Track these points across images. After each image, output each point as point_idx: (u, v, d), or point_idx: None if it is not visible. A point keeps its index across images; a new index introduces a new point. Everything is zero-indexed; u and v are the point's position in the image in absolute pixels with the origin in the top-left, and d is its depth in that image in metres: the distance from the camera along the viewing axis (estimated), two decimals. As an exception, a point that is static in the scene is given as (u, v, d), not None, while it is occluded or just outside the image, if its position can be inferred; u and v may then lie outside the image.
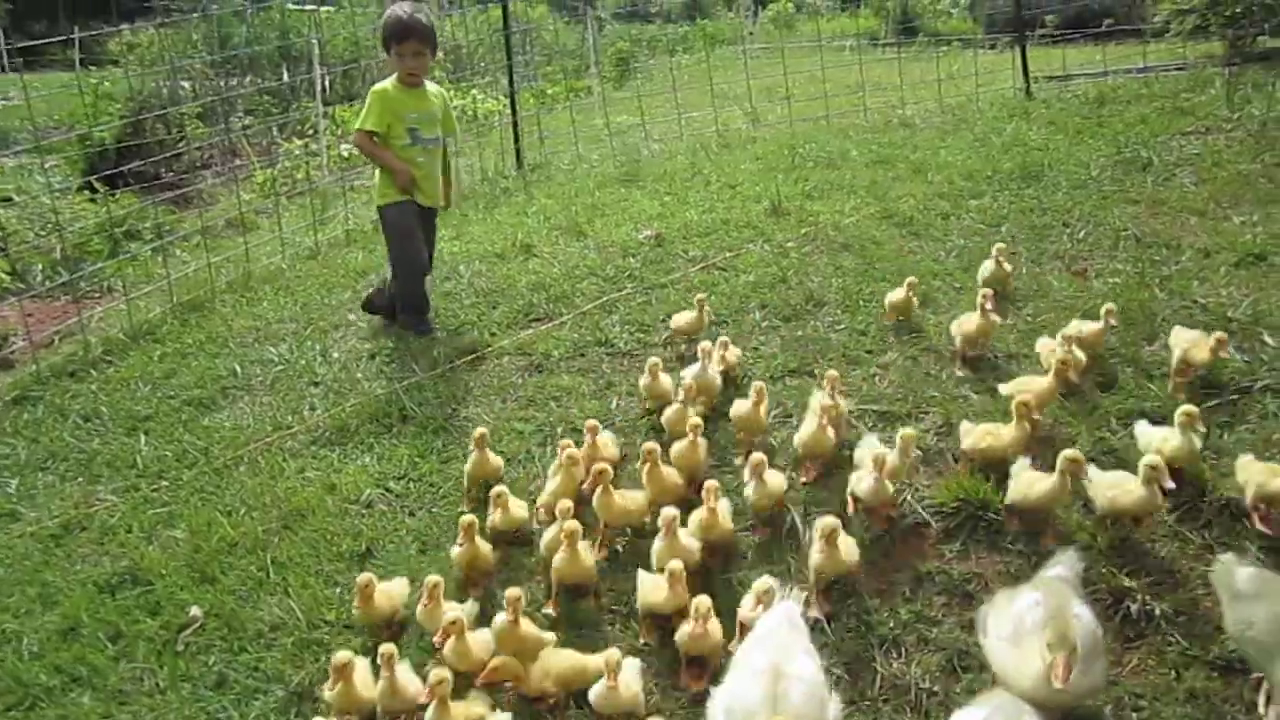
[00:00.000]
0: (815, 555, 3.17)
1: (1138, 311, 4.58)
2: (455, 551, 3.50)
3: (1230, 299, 4.63)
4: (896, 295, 4.77)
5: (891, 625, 3.16)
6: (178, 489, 4.45)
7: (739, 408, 3.96)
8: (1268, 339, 4.26)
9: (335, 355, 5.47)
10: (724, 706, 2.58)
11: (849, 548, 3.21)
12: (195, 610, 3.66)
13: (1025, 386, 3.83)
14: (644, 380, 4.36)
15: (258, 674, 3.34)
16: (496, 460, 4.04)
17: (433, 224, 5.79)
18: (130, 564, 3.97)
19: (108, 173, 9.05)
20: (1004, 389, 3.96)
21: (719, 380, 4.28)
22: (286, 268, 7.22)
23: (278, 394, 5.16)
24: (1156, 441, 3.45)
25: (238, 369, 5.49)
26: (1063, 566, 2.92)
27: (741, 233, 6.36)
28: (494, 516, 3.68)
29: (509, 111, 9.68)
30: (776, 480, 3.58)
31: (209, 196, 10.17)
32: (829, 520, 3.16)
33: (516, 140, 9.51)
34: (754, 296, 5.33)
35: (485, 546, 3.54)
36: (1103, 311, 4.22)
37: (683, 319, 4.84)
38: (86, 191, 9.24)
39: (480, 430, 4.02)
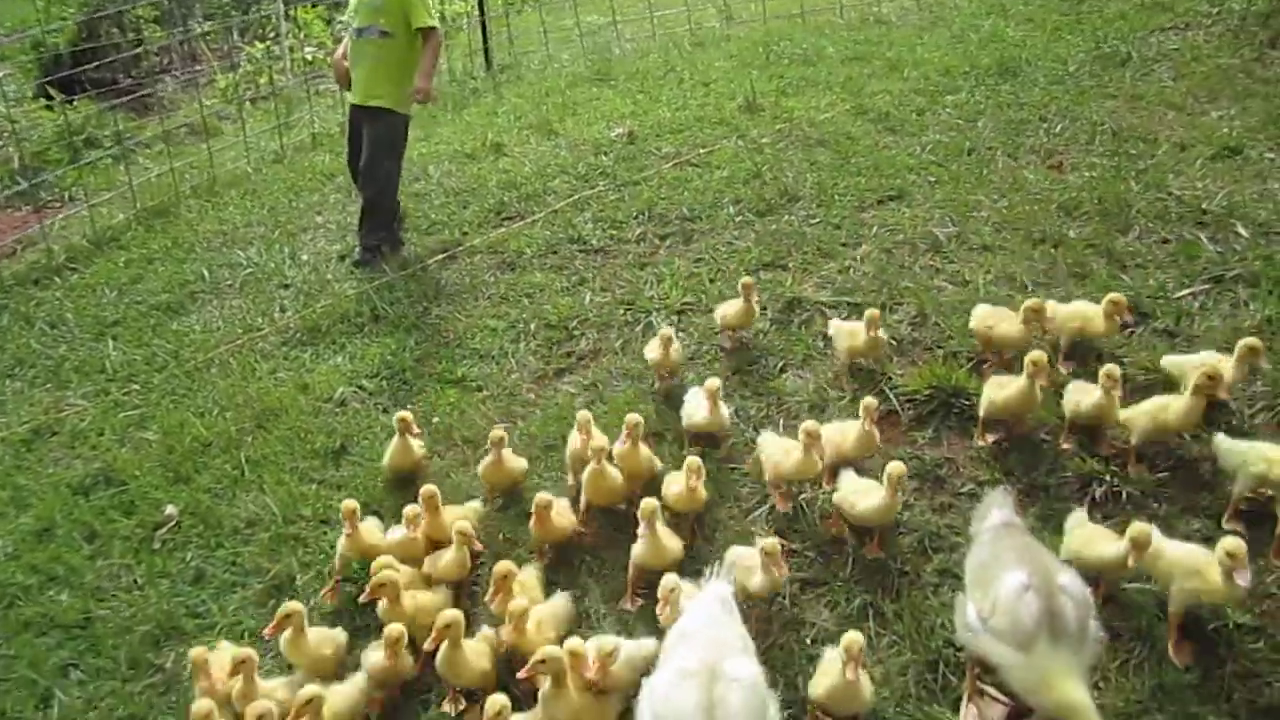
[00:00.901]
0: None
1: (1113, 204, 4.56)
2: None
3: (1205, 191, 4.61)
4: (856, 341, 3.67)
5: (864, 509, 3.19)
6: (148, 392, 4.41)
7: (671, 485, 3.21)
8: (1241, 230, 4.26)
9: (304, 257, 5.39)
10: (653, 713, 2.25)
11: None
12: (170, 509, 3.67)
13: (1164, 407, 3.17)
14: (484, 462, 3.41)
15: (235, 568, 3.37)
16: (419, 450, 3.56)
17: (375, 126, 5.06)
18: (103, 466, 3.96)
19: (63, 75, 8.75)
20: (1127, 411, 3.25)
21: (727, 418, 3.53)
22: (252, 172, 7.08)
23: (247, 297, 5.10)
24: None
25: (205, 273, 5.40)
26: (998, 510, 2.69)
27: (715, 129, 6.25)
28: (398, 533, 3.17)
29: (477, 12, 9.40)
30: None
31: (169, 102, 9.89)
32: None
33: (485, 41, 9.25)
34: (728, 192, 5.27)
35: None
36: (1239, 349, 3.23)
37: (730, 309, 3.96)
38: (42, 99, 8.95)
39: (404, 414, 3.52)
